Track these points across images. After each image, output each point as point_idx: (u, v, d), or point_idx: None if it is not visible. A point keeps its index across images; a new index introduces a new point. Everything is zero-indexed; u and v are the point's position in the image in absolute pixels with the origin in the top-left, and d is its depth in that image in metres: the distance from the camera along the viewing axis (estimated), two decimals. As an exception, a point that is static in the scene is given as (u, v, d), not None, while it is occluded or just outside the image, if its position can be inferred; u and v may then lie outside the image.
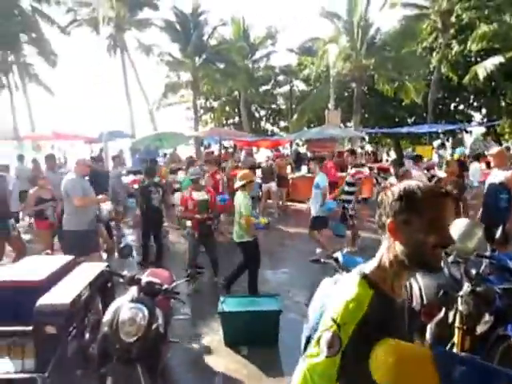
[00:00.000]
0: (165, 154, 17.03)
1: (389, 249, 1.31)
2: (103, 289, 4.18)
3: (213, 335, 4.69)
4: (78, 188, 5.63)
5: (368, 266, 1.34)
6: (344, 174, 10.21)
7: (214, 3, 25.18)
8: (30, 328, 3.22)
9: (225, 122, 29.56)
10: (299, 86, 27.88)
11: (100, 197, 6.07)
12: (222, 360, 4.21)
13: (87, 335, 3.86)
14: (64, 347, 3.33)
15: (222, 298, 4.61)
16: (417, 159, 9.03)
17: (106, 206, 6.41)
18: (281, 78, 27.72)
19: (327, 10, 20.08)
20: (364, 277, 1.30)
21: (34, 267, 4.02)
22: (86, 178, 6.15)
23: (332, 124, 17.60)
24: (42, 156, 16.00)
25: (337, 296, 1.30)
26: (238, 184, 5.65)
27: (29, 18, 19.94)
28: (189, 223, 6.33)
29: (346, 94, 24.16)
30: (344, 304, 1.24)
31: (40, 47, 19.95)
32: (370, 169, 16.13)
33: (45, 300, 3.32)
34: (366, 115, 23.89)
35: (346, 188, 7.83)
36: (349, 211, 7.65)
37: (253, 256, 5.60)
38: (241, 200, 5.48)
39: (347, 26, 19.10)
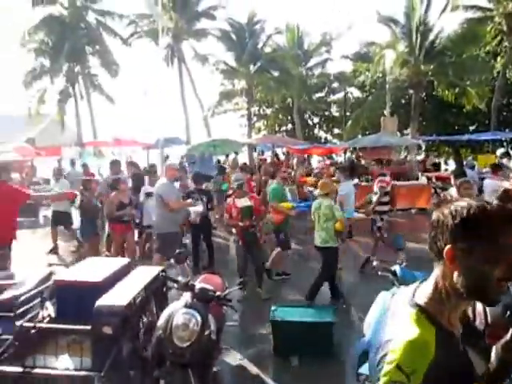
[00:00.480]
0: (218, 161, 17.31)
1: (445, 277, 1.15)
2: (158, 292, 4.26)
3: (263, 344, 4.65)
4: (172, 192, 6.01)
5: (420, 296, 1.19)
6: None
7: (270, 12, 25.42)
8: (89, 327, 3.33)
9: (277, 129, 29.64)
10: (354, 92, 27.50)
11: (189, 201, 6.43)
12: (272, 369, 4.16)
13: (141, 337, 3.95)
14: (119, 348, 3.41)
15: (273, 307, 4.57)
16: (494, 169, 7.75)
17: (197, 209, 6.60)
18: (335, 85, 27.42)
19: (384, 15, 19.67)
20: (421, 310, 1.15)
21: (93, 268, 4.18)
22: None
23: (388, 131, 17.16)
24: (104, 161, 16.85)
25: (393, 331, 1.15)
26: (320, 192, 5.90)
27: (94, 32, 21.08)
28: (234, 230, 6.34)
29: (403, 101, 23.48)
30: (408, 346, 1.07)
31: (103, 58, 21.01)
32: (429, 178, 15.55)
33: (103, 301, 3.42)
34: (424, 122, 23.07)
35: (381, 199, 7.31)
36: (376, 222, 7.25)
37: (332, 262, 5.74)
38: (328, 207, 5.67)
39: (405, 30, 18.58)
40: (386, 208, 7.34)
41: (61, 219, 8.86)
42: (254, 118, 27.25)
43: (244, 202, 6.04)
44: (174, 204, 5.90)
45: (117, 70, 21.13)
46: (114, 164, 8.56)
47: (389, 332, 1.17)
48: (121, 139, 17.72)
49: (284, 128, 29.79)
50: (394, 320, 1.20)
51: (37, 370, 3.33)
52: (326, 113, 29.32)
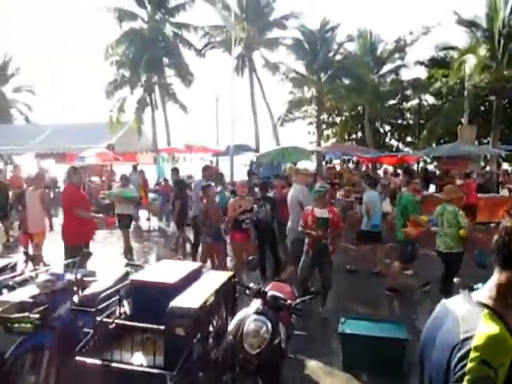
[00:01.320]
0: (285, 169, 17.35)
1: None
2: (228, 297, 4.32)
3: (331, 356, 4.56)
4: (309, 197, 6.16)
5: (484, 298, 1.25)
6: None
7: (342, 18, 25.17)
8: (162, 327, 3.45)
9: (347, 137, 29.16)
10: (428, 99, 26.37)
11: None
12: (339, 383, 4.05)
13: (210, 341, 4.02)
14: (191, 349, 3.50)
15: (342, 319, 4.46)
16: None
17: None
18: (408, 92, 26.47)
19: (463, 18, 18.71)
20: (492, 310, 1.20)
21: (167, 270, 4.33)
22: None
23: (466, 140, 16.25)
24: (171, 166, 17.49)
25: (469, 330, 1.19)
26: (444, 198, 6.10)
27: (171, 44, 22.07)
28: (306, 240, 6.08)
29: (482, 108, 22.13)
30: (493, 342, 1.11)
31: (178, 69, 21.92)
32: (510, 190, 14.49)
33: (176, 302, 3.53)
34: (506, 131, 21.57)
35: None
36: None
37: (456, 268, 5.70)
38: (452, 213, 5.77)
39: (487, 34, 17.52)
40: None
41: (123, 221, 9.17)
42: (323, 126, 27.02)
43: (322, 213, 5.82)
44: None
45: (191, 79, 21.94)
46: (206, 169, 8.54)
47: (462, 332, 1.21)
48: (192, 146, 18.36)
49: (353, 136, 29.25)
50: (466, 321, 1.24)
51: (114, 364, 3.51)
52: (399, 121, 28.39)
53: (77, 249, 5.71)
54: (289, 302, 3.19)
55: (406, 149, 27.80)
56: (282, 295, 3.25)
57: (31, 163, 22.67)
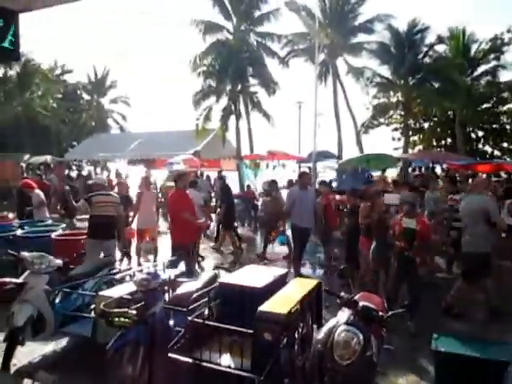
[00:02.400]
0: (370, 175, 16.84)
1: None
2: (314, 305, 4.28)
3: (422, 374, 4.31)
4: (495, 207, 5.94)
5: None
6: None
7: (432, 19, 23.97)
8: (251, 331, 3.49)
9: (435, 143, 27.63)
10: (529, 102, 24.16)
11: None
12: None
13: (296, 347, 4.00)
14: (278, 355, 3.50)
15: (435, 335, 4.19)
16: None
17: None
18: (505, 94, 24.47)
19: None
20: None
21: (255, 275, 4.39)
22: None
23: None
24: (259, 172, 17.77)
25: None
26: None
27: (255, 53, 22.55)
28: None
29: None
30: None
31: (262, 78, 22.30)
32: None
33: (265, 307, 3.56)
34: None
35: None
36: None
37: None
38: None
39: None
40: None
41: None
42: (409, 132, 25.88)
43: (410, 223, 5.54)
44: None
45: (274, 88, 22.22)
46: (303, 176, 8.40)
47: None
48: (274, 153, 18.52)
49: (442, 142, 27.64)
50: None
51: (204, 364, 3.62)
52: (494, 125, 26.33)
53: (182, 248, 6.35)
54: (381, 313, 3.07)
55: (504, 156, 25.70)
56: (373, 306, 3.13)
57: (124, 169, 24.43)
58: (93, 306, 4.59)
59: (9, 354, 4.15)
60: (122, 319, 3.39)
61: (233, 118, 22.46)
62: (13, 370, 4.22)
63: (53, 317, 4.39)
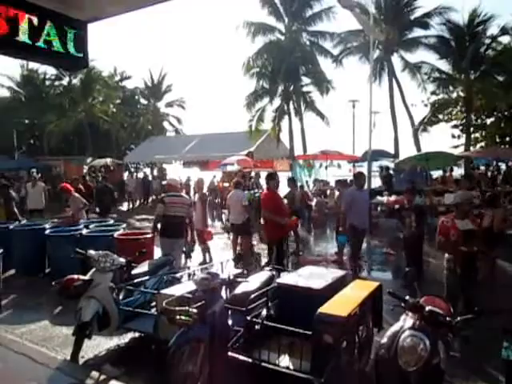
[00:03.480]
0: (429, 175, 16.20)
1: None
2: (375, 308, 4.17)
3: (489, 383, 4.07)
4: None
5: None
6: None
7: (495, 8, 22.69)
8: (310, 333, 3.46)
9: (498, 140, 26.06)
10: None
11: None
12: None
13: (356, 351, 3.91)
14: (338, 358, 3.44)
15: (505, 343, 3.93)
16: None
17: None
18: None
19: None
20: None
21: (313, 276, 4.35)
22: None
23: None
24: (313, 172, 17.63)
25: None
26: None
27: (307, 52, 22.40)
28: (447, 255, 5.32)
29: None
30: None
31: (315, 77, 22.10)
32: None
33: (325, 309, 3.51)
34: None
35: None
36: None
37: None
38: None
39: None
40: None
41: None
42: (471, 129, 24.62)
43: (466, 224, 5.14)
44: None
45: (328, 87, 21.95)
46: (359, 177, 8.21)
47: None
48: (328, 152, 18.28)
49: (507, 139, 26.00)
50: None
51: (263, 364, 3.63)
52: None
53: (273, 243, 6.95)
54: (448, 318, 2.92)
55: None
56: (440, 311, 2.99)
57: (180, 170, 25.10)
58: (154, 304, 4.75)
59: (77, 346, 4.37)
60: (184, 317, 3.45)
61: (286, 118, 22.44)
62: (81, 361, 4.44)
63: (117, 313, 4.57)
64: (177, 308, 3.51)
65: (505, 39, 21.67)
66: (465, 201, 5.25)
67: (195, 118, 69.84)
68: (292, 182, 11.69)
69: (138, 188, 21.22)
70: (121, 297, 4.88)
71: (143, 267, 5.32)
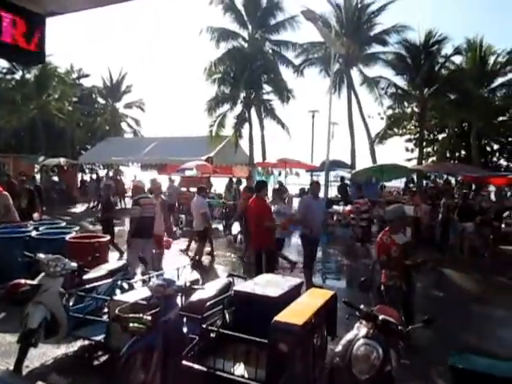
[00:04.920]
0: (383, 186, 16.73)
1: None
2: (329, 316, 4.22)
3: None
4: None
5: None
6: None
7: (449, 29, 23.86)
8: (265, 341, 3.45)
9: (449, 155, 27.37)
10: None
11: None
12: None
13: (311, 359, 3.93)
14: (293, 367, 3.45)
15: (453, 352, 4.09)
16: None
17: None
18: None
19: None
20: None
21: (270, 284, 4.35)
22: None
23: None
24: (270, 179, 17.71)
25: None
26: None
27: (270, 61, 22.62)
28: (387, 272, 5.13)
29: None
30: None
31: (276, 86, 22.32)
32: None
33: (280, 317, 3.51)
34: None
35: None
36: None
37: None
38: None
39: None
40: None
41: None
42: (423, 143, 25.69)
43: (401, 238, 5.15)
44: None
45: (289, 96, 22.20)
46: (315, 185, 8.37)
47: None
48: (287, 160, 18.50)
49: (457, 154, 27.37)
50: None
51: (218, 373, 3.58)
52: (510, 138, 26.02)
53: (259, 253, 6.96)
54: (400, 327, 3.00)
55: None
56: (392, 320, 3.07)
57: (137, 173, 24.58)
58: (106, 311, 4.59)
59: (22, 355, 4.15)
60: (137, 325, 3.36)
61: (246, 125, 22.51)
62: (25, 371, 4.22)
63: (66, 320, 4.38)
64: (130, 315, 3.41)
65: (457, 59, 22.90)
66: (398, 216, 5.24)
67: (154, 121, 68.87)
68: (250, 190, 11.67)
69: (93, 190, 20.68)
70: (71, 303, 4.70)
71: (96, 272, 5.14)
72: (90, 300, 4.77)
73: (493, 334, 5.99)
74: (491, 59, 23.14)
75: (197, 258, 9.27)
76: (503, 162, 26.96)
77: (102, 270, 5.27)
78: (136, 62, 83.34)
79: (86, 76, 37.54)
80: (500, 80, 23.02)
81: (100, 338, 4.30)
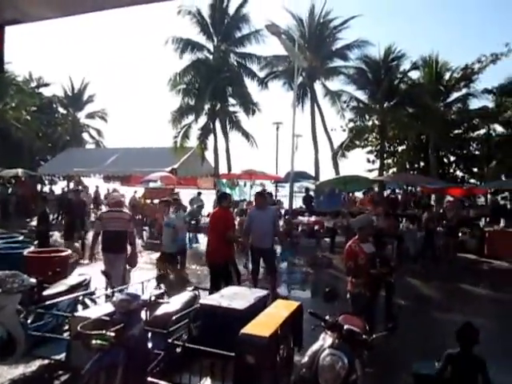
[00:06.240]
0: (345, 198, 17.07)
1: None
2: (295, 327, 4.25)
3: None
4: None
5: None
6: None
7: (407, 46, 24.78)
8: (232, 354, 3.43)
9: (409, 166, 28.29)
10: (497, 129, 25.09)
11: None
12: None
13: (277, 371, 3.94)
14: (260, 379, 3.45)
15: (416, 360, 4.21)
16: None
17: None
18: (475, 121, 25.38)
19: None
20: None
21: (236, 296, 4.34)
22: None
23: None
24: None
25: None
26: None
27: (235, 73, 22.76)
28: (354, 280, 5.26)
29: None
30: None
31: (241, 98, 22.47)
32: None
33: (247, 330, 3.51)
34: None
35: None
36: None
37: None
38: None
39: None
40: None
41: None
42: (384, 155, 26.45)
43: (369, 247, 5.26)
44: None
45: (254, 108, 22.36)
46: (259, 196, 8.46)
47: None
48: (252, 172, 18.59)
49: (416, 166, 28.34)
50: None
51: (184, 388, 3.52)
52: (464, 151, 27.21)
53: (218, 266, 6.84)
54: (364, 336, 3.06)
55: (472, 180, 26.54)
56: (357, 329, 3.13)
57: (99, 185, 24.01)
58: (67, 328, 4.44)
59: (-24, 377, 3.95)
60: (100, 341, 3.27)
61: (211, 136, 22.48)
62: (-21, 394, 4.02)
63: (24, 338, 4.20)
64: (93, 332, 3.32)
65: (415, 75, 23.81)
66: (366, 225, 5.42)
67: (117, 131, 67.68)
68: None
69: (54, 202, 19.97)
70: (29, 320, 4.51)
71: (56, 288, 4.97)
72: (50, 317, 4.60)
73: (452, 339, 6.17)
74: (447, 75, 24.21)
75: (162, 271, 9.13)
76: (459, 173, 28.12)
77: (62, 285, 5.11)
78: (99, 72, 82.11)
79: (46, 85, 36.48)
80: (455, 95, 24.10)
81: (60, 356, 4.15)
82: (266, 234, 7.52)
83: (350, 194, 16.94)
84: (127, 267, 6.79)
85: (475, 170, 27.14)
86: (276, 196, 19.23)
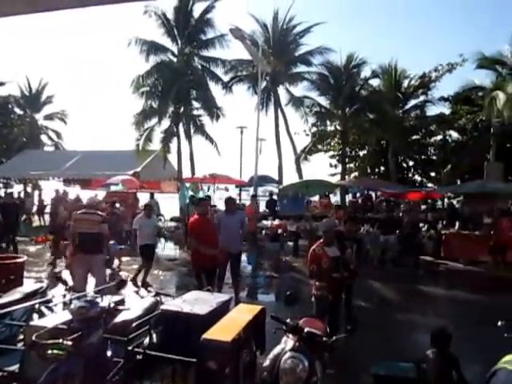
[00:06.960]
0: (309, 202, 17.29)
1: None
2: (258, 331, 4.26)
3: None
4: None
5: None
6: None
7: (368, 53, 25.42)
8: (194, 360, 3.40)
9: (370, 170, 29.02)
10: (453, 135, 26.18)
11: None
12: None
13: (240, 375, 3.94)
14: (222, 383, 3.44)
15: (374, 360, 4.29)
16: None
17: None
18: (432, 127, 26.40)
19: (488, 57, 18.96)
20: None
21: (198, 301, 4.31)
22: None
23: (493, 178, 16.01)
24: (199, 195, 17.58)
25: None
26: None
27: (199, 76, 22.62)
28: (318, 283, 5.35)
29: (509, 145, 21.83)
30: None
31: (205, 101, 22.35)
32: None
33: (209, 335, 3.49)
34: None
35: None
36: None
37: None
38: None
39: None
40: None
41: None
42: (346, 160, 27.02)
43: (334, 251, 5.36)
44: None
45: (218, 113, 22.27)
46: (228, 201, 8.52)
47: None
48: (216, 176, 18.55)
49: (376, 170, 29.10)
50: None
51: (144, 397, 3.46)
52: (422, 156, 28.20)
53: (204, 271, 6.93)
54: (324, 339, 3.11)
55: (430, 184, 27.53)
56: (317, 331, 3.17)
57: (58, 188, 23.26)
58: (22, 337, 4.27)
59: None
60: (56, 351, 3.17)
61: (175, 139, 22.23)
62: None
63: (-26, 350, 4.02)
64: (49, 341, 3.21)
65: (375, 82, 24.50)
66: (330, 228, 5.53)
67: (78, 134, 65.81)
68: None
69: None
70: (-20, 331, 4.31)
71: (10, 296, 4.78)
72: (3, 327, 4.40)
73: (412, 339, 6.37)
74: (405, 82, 25.06)
75: (130, 277, 9.03)
76: (418, 178, 29.09)
77: (17, 293, 4.91)
78: (59, 72, 79.64)
79: (1, 84, 35.02)
80: (413, 102, 24.98)
81: (14, 367, 3.97)
82: (234, 237, 7.57)
83: (312, 199, 17.17)
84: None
85: (432, 174, 28.17)
86: (240, 200, 19.26)
